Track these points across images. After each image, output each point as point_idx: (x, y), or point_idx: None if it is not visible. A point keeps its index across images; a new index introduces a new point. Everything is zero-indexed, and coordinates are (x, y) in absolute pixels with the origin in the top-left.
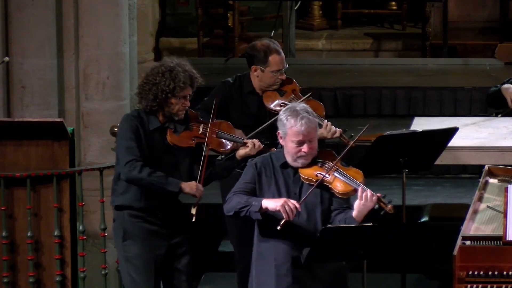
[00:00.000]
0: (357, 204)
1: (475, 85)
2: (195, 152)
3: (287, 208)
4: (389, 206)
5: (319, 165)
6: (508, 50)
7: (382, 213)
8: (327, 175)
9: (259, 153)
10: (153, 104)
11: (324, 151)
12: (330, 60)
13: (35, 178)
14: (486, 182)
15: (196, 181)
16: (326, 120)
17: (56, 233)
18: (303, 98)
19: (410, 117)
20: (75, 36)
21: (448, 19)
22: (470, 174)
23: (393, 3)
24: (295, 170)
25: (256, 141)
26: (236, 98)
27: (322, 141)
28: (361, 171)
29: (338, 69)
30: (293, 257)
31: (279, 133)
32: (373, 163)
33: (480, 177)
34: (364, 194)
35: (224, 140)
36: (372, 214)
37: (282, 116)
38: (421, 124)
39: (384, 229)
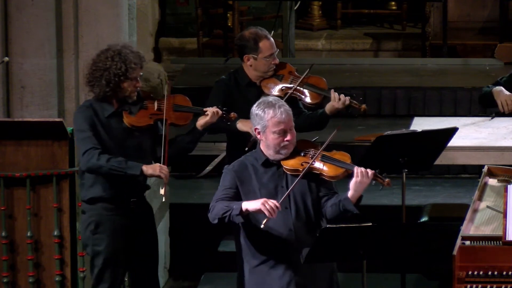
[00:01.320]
0: (353, 182)
1: (475, 85)
2: (155, 131)
3: (267, 206)
4: (387, 180)
5: (302, 154)
6: (508, 50)
7: (380, 188)
8: (314, 162)
9: (219, 120)
10: (107, 89)
11: (301, 141)
12: (330, 60)
13: (35, 178)
14: (486, 182)
15: (160, 162)
16: (332, 90)
17: (55, 233)
18: (303, 76)
19: (409, 117)
20: (75, 36)
21: (448, 19)
22: (469, 174)
23: (393, 3)
24: (278, 165)
25: (214, 108)
26: (235, 93)
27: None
28: (347, 153)
29: (337, 69)
30: (290, 254)
31: (256, 128)
32: (373, 163)
33: (479, 177)
34: (359, 171)
35: (182, 113)
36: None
37: (257, 110)
38: (420, 124)
39: (384, 229)
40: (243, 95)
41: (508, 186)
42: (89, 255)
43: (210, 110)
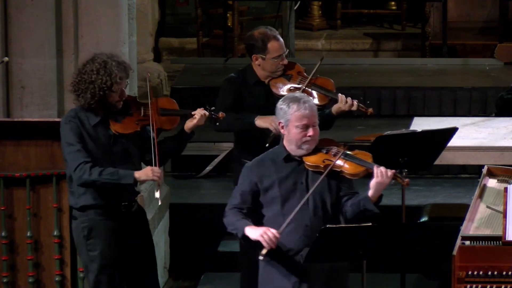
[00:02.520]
0: (373, 182)
1: (475, 85)
2: (143, 137)
3: (265, 238)
4: (406, 180)
5: (324, 151)
6: (508, 50)
7: (400, 188)
8: (334, 160)
9: (208, 120)
10: (91, 101)
11: (323, 139)
12: (330, 60)
13: (35, 178)
14: (486, 182)
15: (151, 164)
16: (339, 94)
17: (55, 233)
18: (310, 76)
19: (409, 117)
20: (75, 36)
21: (448, 19)
22: (469, 174)
23: (393, 3)
24: (299, 161)
25: (201, 110)
26: (244, 91)
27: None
28: (369, 153)
29: (337, 69)
30: (305, 249)
31: (280, 122)
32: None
33: (479, 177)
34: (379, 171)
35: (169, 117)
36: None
37: (282, 105)
38: (420, 124)
39: (384, 229)
40: (251, 94)
41: (508, 186)
42: (84, 261)
43: (198, 113)
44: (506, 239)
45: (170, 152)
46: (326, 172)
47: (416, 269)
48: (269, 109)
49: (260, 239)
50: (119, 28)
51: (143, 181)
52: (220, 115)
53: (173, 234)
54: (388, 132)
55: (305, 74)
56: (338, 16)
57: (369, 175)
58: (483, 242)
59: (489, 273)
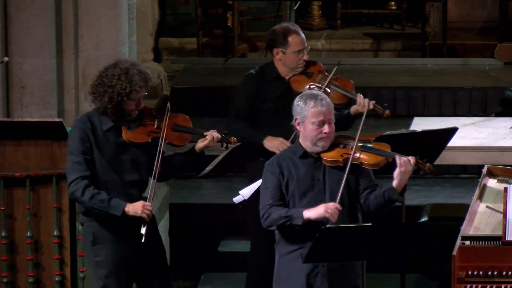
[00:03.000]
0: (397, 172)
1: (475, 85)
2: (153, 148)
3: (331, 212)
4: (428, 165)
5: (342, 146)
6: (508, 50)
7: (421, 173)
8: (354, 152)
9: (220, 143)
10: (108, 106)
11: (338, 136)
12: (330, 60)
13: (35, 178)
14: (486, 182)
15: (147, 193)
16: (358, 94)
17: (55, 233)
18: (330, 76)
19: (409, 117)
20: (75, 36)
21: (448, 19)
22: (469, 174)
23: (393, 3)
24: (315, 158)
25: (214, 132)
26: (261, 87)
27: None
28: (387, 144)
29: (337, 69)
30: None
31: (296, 119)
32: None
33: (479, 177)
34: (402, 160)
35: (181, 134)
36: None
37: (299, 101)
38: (420, 124)
39: (384, 229)
40: (268, 89)
41: (508, 186)
42: (91, 266)
43: (210, 135)
44: (506, 239)
45: (177, 167)
46: (348, 166)
47: (416, 269)
48: (285, 105)
49: (327, 215)
50: (119, 28)
51: (131, 216)
52: (232, 140)
53: (173, 234)
54: (388, 132)
55: (326, 73)
56: (338, 16)
57: (389, 165)
58: (483, 242)
59: (489, 273)
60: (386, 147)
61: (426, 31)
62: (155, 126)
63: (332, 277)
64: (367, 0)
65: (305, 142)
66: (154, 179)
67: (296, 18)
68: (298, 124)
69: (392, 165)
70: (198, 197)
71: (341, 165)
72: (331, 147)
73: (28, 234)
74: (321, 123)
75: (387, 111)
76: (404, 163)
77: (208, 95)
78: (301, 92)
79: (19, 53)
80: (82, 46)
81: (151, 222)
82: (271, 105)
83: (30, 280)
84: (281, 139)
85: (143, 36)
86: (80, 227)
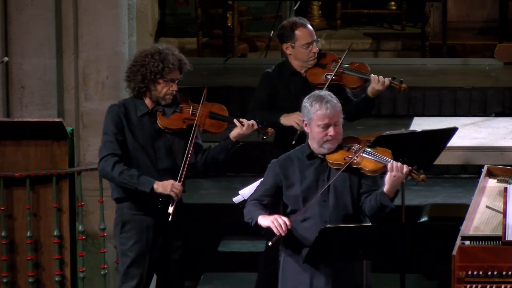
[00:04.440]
0: (387, 177)
1: (475, 85)
2: (188, 135)
3: (276, 224)
4: (422, 176)
5: (346, 149)
6: (508, 50)
7: (415, 184)
8: (355, 157)
9: (257, 132)
10: (141, 85)
11: (348, 137)
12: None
13: (35, 178)
14: (485, 182)
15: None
16: (372, 74)
17: (55, 233)
18: (341, 61)
19: (409, 117)
20: (75, 36)
21: (448, 19)
22: (469, 174)
23: (393, 3)
24: (322, 158)
25: (252, 121)
26: (279, 84)
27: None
28: (389, 150)
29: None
30: None
31: (304, 120)
32: None
33: (479, 177)
34: (394, 165)
35: (217, 121)
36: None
37: (306, 103)
38: (420, 124)
39: (384, 229)
40: (286, 85)
41: (508, 186)
42: (118, 254)
43: (246, 122)
44: (506, 239)
45: (210, 158)
46: (343, 167)
47: (416, 269)
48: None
49: (271, 225)
50: (119, 28)
51: (160, 194)
52: (269, 131)
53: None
54: (388, 132)
55: (339, 61)
56: (338, 16)
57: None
58: (483, 242)
59: (489, 273)
60: (388, 154)
61: (426, 31)
62: (190, 113)
63: (335, 277)
64: (367, 0)
65: (313, 143)
66: (186, 159)
67: None
68: (306, 125)
69: None
70: (198, 197)
71: (343, 168)
72: (337, 149)
73: (28, 234)
74: (327, 126)
75: (404, 85)
76: (394, 168)
77: (208, 95)
78: (318, 84)
79: (19, 53)
80: (82, 46)
81: (179, 217)
82: (292, 102)
83: (30, 280)
84: (297, 112)
85: (143, 36)
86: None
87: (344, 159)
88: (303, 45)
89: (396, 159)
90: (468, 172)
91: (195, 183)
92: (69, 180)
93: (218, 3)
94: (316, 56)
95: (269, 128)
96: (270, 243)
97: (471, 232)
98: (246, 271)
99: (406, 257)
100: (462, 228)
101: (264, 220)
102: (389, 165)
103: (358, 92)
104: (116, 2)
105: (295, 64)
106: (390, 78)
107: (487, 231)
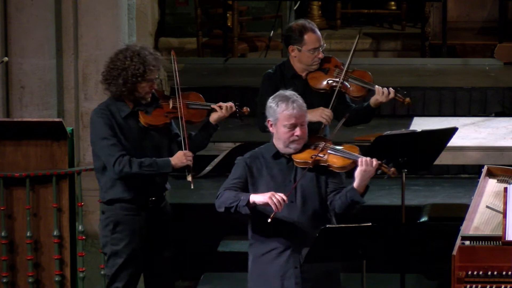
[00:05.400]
0: (357, 171)
1: (475, 85)
2: (171, 131)
3: (274, 200)
4: (392, 169)
5: (312, 147)
6: (508, 50)
7: (386, 177)
8: (321, 155)
9: (232, 115)
10: (123, 89)
11: (314, 136)
12: None
13: (34, 178)
14: (485, 182)
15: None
16: (376, 85)
17: (55, 233)
18: (345, 68)
19: (409, 117)
20: (74, 36)
21: (448, 19)
22: (469, 174)
23: (392, 3)
24: (288, 158)
25: (229, 103)
26: (280, 86)
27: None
28: (356, 146)
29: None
30: (293, 246)
31: (269, 120)
32: None
33: (479, 177)
34: (364, 160)
35: (197, 110)
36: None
37: (271, 103)
38: (420, 124)
39: (384, 229)
40: (286, 87)
41: (508, 186)
42: (107, 254)
43: (225, 105)
44: (506, 239)
45: (198, 145)
46: (310, 165)
47: (416, 269)
48: (305, 102)
49: (269, 201)
50: (119, 28)
51: (179, 167)
52: (245, 110)
53: (173, 234)
54: (388, 132)
55: (342, 67)
56: (337, 16)
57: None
58: (483, 242)
59: (489, 273)
60: (355, 150)
61: (426, 31)
62: (171, 106)
63: (306, 279)
64: (367, 0)
65: (278, 143)
66: (185, 149)
67: (296, 18)
68: (271, 125)
69: None
70: (198, 197)
71: (311, 166)
72: (303, 148)
73: (28, 234)
74: (293, 126)
75: (408, 99)
76: (364, 162)
77: (208, 95)
78: (319, 89)
79: (19, 53)
80: (82, 46)
81: (168, 216)
82: None
83: (30, 280)
84: (321, 107)
85: (143, 36)
86: (101, 215)
87: (311, 157)
88: (310, 49)
89: (396, 159)
90: (468, 172)
91: (195, 183)
92: (69, 180)
93: (218, 3)
94: (319, 61)
95: (245, 107)
96: (269, 220)
97: (471, 232)
98: (246, 271)
99: (406, 257)
100: (462, 228)
101: (260, 197)
102: (359, 160)
103: (359, 101)
104: (116, 2)
105: (297, 66)
106: (394, 91)
107: (487, 231)
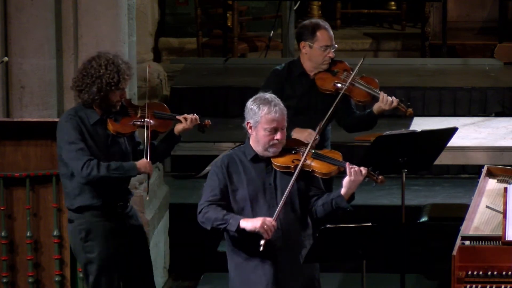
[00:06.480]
0: (346, 180)
1: (475, 85)
2: (132, 138)
3: (266, 228)
4: (380, 177)
5: (292, 152)
6: (508, 50)
7: (373, 185)
8: (306, 160)
9: (196, 127)
10: (96, 97)
11: (290, 140)
12: None
13: (34, 178)
14: (485, 182)
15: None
16: (381, 92)
17: (55, 233)
18: (354, 73)
19: (409, 117)
20: (74, 36)
21: (448, 19)
22: (469, 174)
23: (392, 3)
24: (267, 161)
25: (192, 115)
26: (286, 83)
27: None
28: (338, 152)
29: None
30: (275, 251)
31: (248, 122)
32: (372, 163)
33: (479, 177)
34: (352, 169)
35: (164, 120)
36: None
37: (253, 105)
38: (420, 124)
39: (384, 229)
40: (292, 84)
41: (508, 186)
42: (81, 263)
43: (188, 117)
44: (506, 239)
45: (160, 155)
46: (297, 172)
47: (416, 269)
48: (309, 103)
49: (261, 230)
50: (119, 28)
51: (142, 173)
52: (206, 123)
53: (173, 234)
54: (388, 132)
55: (351, 72)
56: (337, 16)
57: (341, 174)
58: (483, 242)
59: (489, 273)
60: (338, 156)
61: (426, 31)
62: (139, 116)
63: (286, 285)
64: (367, 0)
65: (257, 146)
66: (147, 147)
67: (296, 18)
68: (250, 128)
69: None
70: (198, 197)
71: (292, 171)
72: (282, 152)
73: (28, 234)
74: (274, 130)
75: (410, 109)
76: (354, 173)
77: (208, 95)
78: (325, 90)
79: (19, 53)
80: (82, 46)
81: (137, 219)
82: (295, 102)
83: (30, 280)
84: (309, 130)
85: (143, 36)
86: (68, 224)
87: (293, 162)
88: (321, 46)
89: (396, 159)
90: (468, 172)
91: (195, 183)
92: None
93: (218, 3)
94: (330, 61)
95: (206, 120)
96: (261, 248)
97: (471, 232)
98: None
99: (406, 257)
100: (462, 228)
101: (249, 225)
102: (348, 170)
103: (361, 106)
104: (116, 2)
105: (307, 65)
106: (398, 100)
107: (487, 231)
